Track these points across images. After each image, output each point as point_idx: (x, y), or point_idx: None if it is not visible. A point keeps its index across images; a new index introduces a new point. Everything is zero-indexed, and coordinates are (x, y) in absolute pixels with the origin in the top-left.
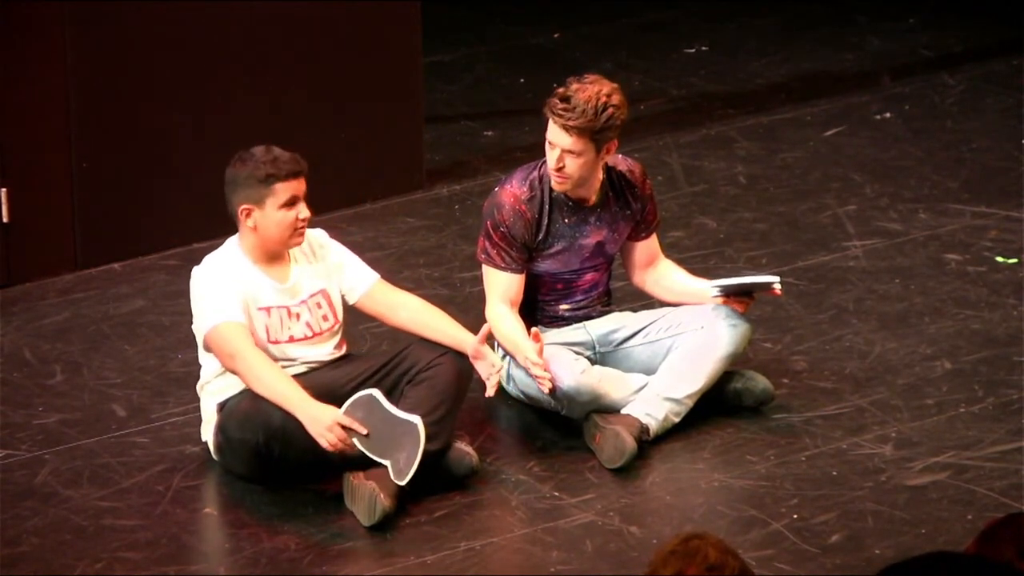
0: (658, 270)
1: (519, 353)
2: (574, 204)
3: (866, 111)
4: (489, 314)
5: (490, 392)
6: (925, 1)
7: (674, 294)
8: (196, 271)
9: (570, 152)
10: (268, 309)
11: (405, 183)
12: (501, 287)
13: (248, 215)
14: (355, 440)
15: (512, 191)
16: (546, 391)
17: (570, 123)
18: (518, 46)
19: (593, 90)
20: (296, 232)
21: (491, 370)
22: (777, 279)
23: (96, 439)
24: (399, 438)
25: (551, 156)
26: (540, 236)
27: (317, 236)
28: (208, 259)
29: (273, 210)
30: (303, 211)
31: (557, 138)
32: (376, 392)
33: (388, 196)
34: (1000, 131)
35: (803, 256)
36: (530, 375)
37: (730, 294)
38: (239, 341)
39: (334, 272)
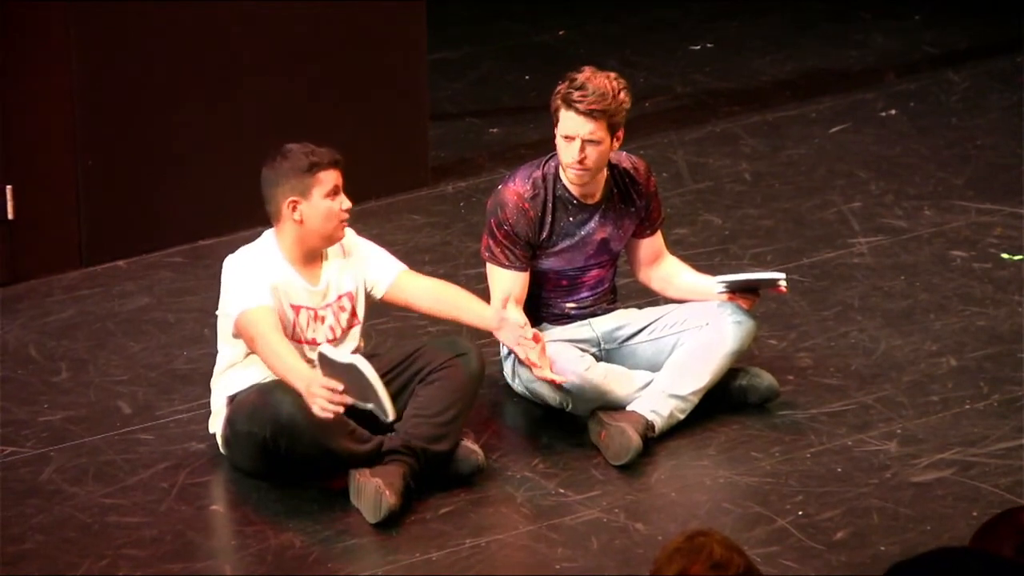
0: (663, 267)
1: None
2: (578, 202)
3: (871, 108)
4: None
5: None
6: None
7: (679, 291)
8: (230, 259)
9: (590, 141)
10: (298, 309)
11: (410, 180)
12: (505, 285)
13: (295, 208)
14: (348, 398)
15: (515, 189)
16: (559, 382)
17: (593, 107)
18: (523, 43)
19: (601, 76)
20: (340, 223)
21: (519, 333)
22: (783, 276)
23: (101, 436)
24: (359, 381)
25: (571, 149)
26: (544, 234)
27: (346, 234)
28: (243, 250)
29: (320, 199)
30: (345, 202)
31: (577, 128)
32: (323, 347)
33: (393, 193)
34: (1005, 128)
35: (808, 253)
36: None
37: (735, 290)
38: (264, 324)
39: (361, 269)
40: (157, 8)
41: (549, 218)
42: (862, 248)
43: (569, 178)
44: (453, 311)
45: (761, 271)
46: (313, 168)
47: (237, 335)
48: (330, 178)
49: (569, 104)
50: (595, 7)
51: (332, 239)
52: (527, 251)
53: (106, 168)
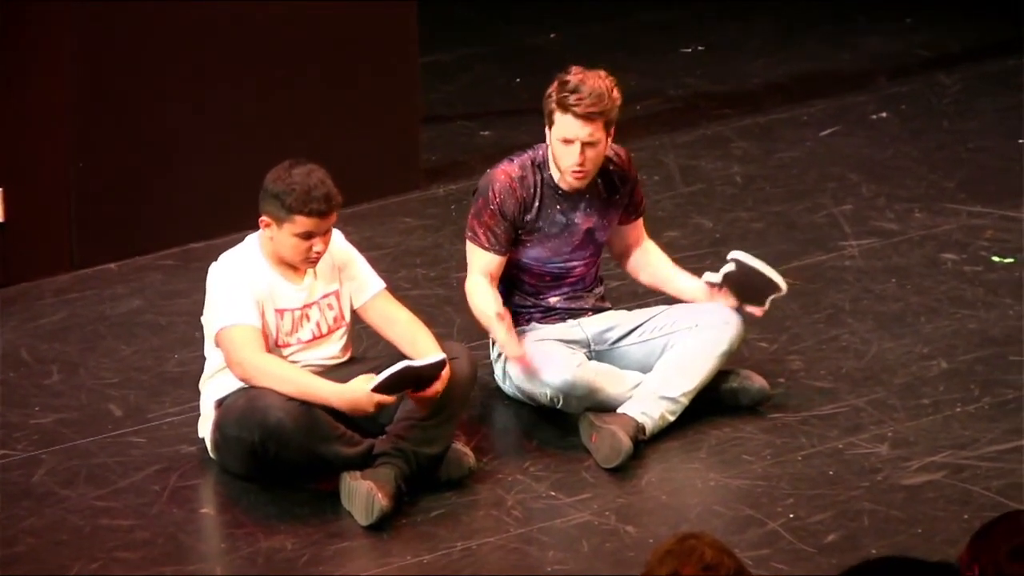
0: (647, 254)
1: (491, 329)
2: (563, 192)
3: (863, 111)
4: (467, 284)
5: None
6: (922, 1)
7: (657, 282)
8: (213, 267)
9: (589, 143)
10: (282, 312)
11: (402, 183)
12: (482, 263)
13: (267, 226)
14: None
15: (505, 170)
16: (528, 363)
17: (591, 109)
18: (515, 46)
19: (592, 75)
20: (306, 260)
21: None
22: (784, 288)
23: (92, 439)
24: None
25: (571, 153)
26: (530, 216)
27: (333, 238)
28: (226, 256)
29: (287, 236)
30: (318, 245)
31: (576, 131)
32: (402, 364)
33: (385, 196)
34: (997, 131)
35: (799, 256)
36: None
37: (735, 279)
38: (247, 349)
39: (344, 273)
40: (151, 11)
41: (536, 203)
42: (853, 251)
43: (568, 182)
44: (411, 351)
45: (771, 269)
46: (291, 210)
47: (218, 347)
48: (306, 224)
49: (566, 108)
50: (587, 10)
51: (300, 265)
52: (510, 233)
53: (98, 171)
